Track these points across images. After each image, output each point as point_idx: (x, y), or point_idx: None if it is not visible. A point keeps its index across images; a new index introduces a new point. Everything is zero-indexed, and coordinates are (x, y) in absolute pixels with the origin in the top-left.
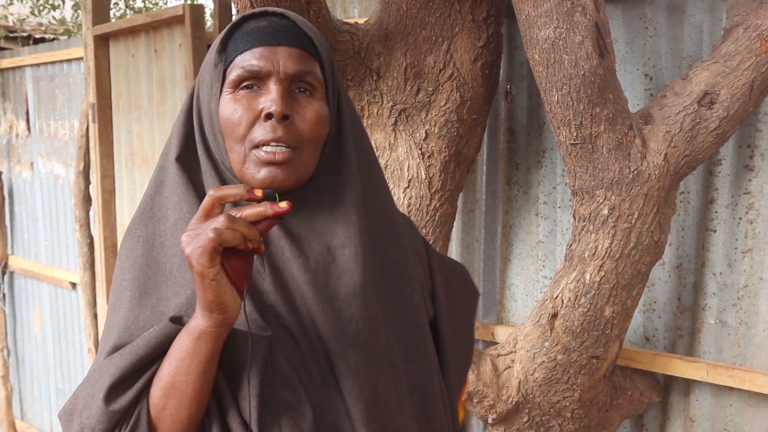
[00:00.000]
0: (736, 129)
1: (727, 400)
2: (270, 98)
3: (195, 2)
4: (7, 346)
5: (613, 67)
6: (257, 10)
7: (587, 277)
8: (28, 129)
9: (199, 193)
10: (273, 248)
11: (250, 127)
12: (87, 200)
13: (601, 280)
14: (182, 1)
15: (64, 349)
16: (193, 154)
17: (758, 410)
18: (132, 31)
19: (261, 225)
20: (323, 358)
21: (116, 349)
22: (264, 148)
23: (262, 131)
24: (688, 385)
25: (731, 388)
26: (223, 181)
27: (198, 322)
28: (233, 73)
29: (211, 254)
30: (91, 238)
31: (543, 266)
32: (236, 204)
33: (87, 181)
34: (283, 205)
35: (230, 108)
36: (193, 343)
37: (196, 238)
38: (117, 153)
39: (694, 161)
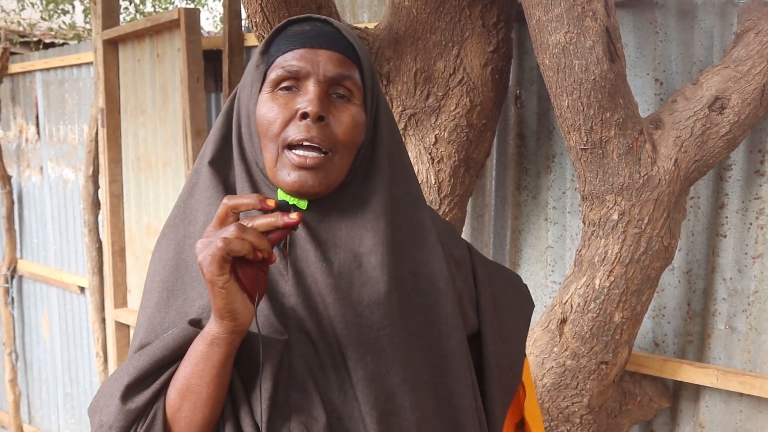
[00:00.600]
0: (747, 134)
1: (737, 406)
2: (307, 98)
3: (193, 5)
4: (15, 349)
5: (623, 72)
6: (302, 15)
7: (597, 282)
8: (38, 133)
9: None
10: (298, 251)
11: (285, 126)
12: (96, 204)
13: (610, 285)
14: (191, 5)
15: (72, 353)
16: (228, 157)
17: None
18: (138, 36)
19: (272, 235)
20: (341, 364)
21: (141, 348)
22: (296, 151)
23: (295, 130)
24: (698, 391)
25: (741, 394)
26: (254, 184)
27: (211, 328)
28: (273, 73)
29: (220, 263)
30: (99, 242)
31: (552, 271)
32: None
33: (96, 186)
34: (294, 216)
35: (267, 106)
36: (206, 348)
37: (208, 245)
38: (125, 157)
39: (704, 166)
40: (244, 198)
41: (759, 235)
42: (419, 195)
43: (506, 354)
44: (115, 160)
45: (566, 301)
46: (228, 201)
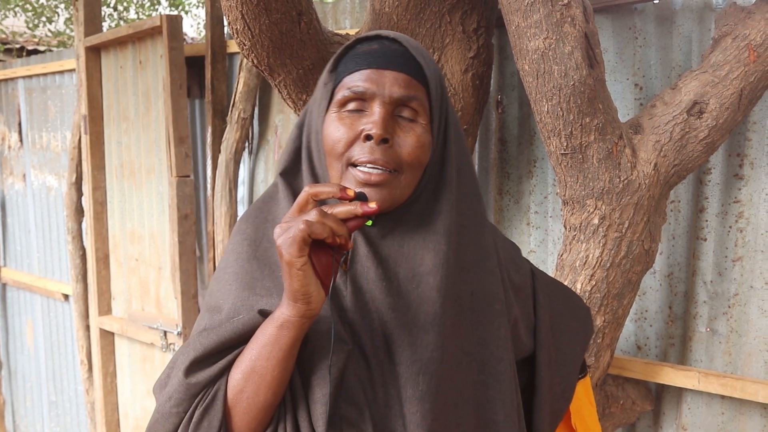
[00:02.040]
0: (726, 138)
1: (719, 408)
2: (372, 120)
3: (177, 12)
4: None
5: (602, 77)
6: (371, 33)
7: (578, 286)
8: (21, 141)
9: None
10: (358, 267)
11: (349, 146)
12: (79, 212)
13: (592, 289)
14: (174, 12)
15: (57, 361)
16: (299, 166)
17: (750, 418)
18: (120, 42)
19: (350, 223)
20: (391, 382)
21: (206, 330)
22: (360, 168)
23: (359, 151)
24: (680, 393)
25: (723, 396)
26: None
27: (282, 311)
28: (340, 93)
29: (300, 244)
30: (83, 249)
31: None
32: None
33: (79, 193)
34: (373, 205)
35: (333, 126)
36: (276, 331)
37: (288, 229)
38: (108, 164)
39: (684, 170)
40: (325, 186)
41: (738, 238)
42: (484, 215)
43: (560, 380)
44: (99, 167)
45: None
46: (309, 189)
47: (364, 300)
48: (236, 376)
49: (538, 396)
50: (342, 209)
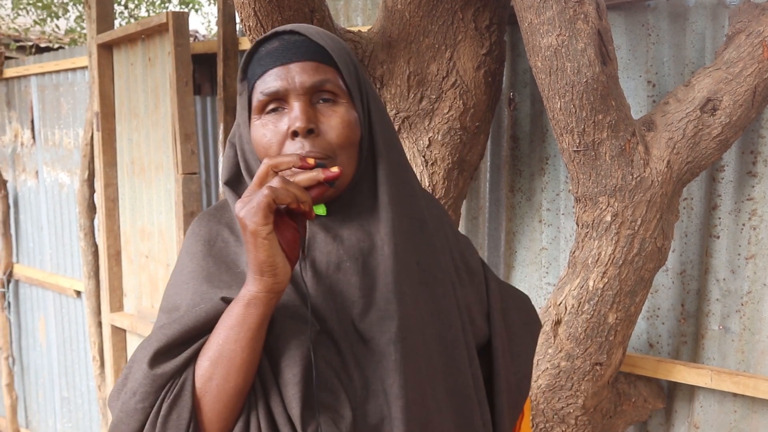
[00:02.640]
0: (739, 135)
1: (732, 407)
2: (293, 116)
3: (187, 9)
4: (12, 354)
5: (615, 74)
6: (269, 32)
7: (590, 283)
8: (33, 138)
9: None
10: (317, 254)
11: (281, 147)
12: (91, 209)
13: (604, 286)
14: (185, 9)
15: (69, 358)
16: (242, 180)
17: (762, 416)
18: (131, 40)
19: (313, 190)
20: (365, 361)
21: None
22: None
23: (292, 150)
24: (692, 391)
25: (735, 395)
26: None
27: (249, 288)
28: (255, 99)
29: (265, 211)
30: (95, 246)
31: (546, 273)
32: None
33: (91, 190)
34: (335, 169)
35: (259, 133)
36: (243, 310)
37: (250, 201)
38: (120, 161)
39: (697, 168)
40: (285, 157)
41: (752, 235)
42: (417, 185)
43: (515, 369)
44: (111, 163)
45: (560, 303)
46: (269, 161)
47: (327, 284)
48: (204, 363)
49: (497, 382)
50: (304, 176)
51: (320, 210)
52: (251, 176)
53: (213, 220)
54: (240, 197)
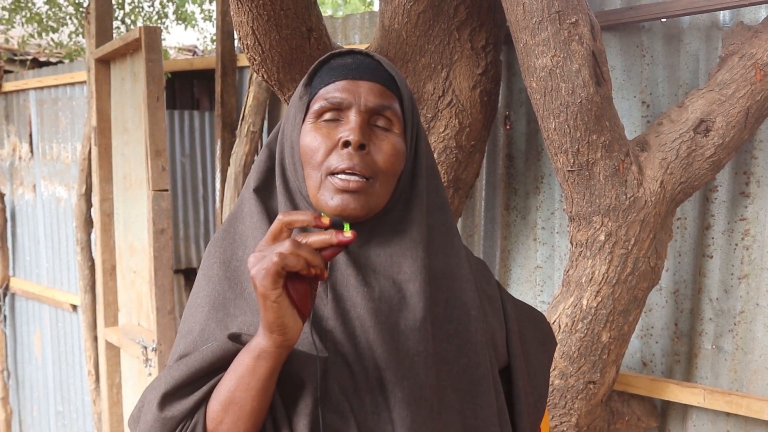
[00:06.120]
0: (732, 156)
1: (724, 426)
2: (349, 128)
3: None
4: (7, 367)
5: (609, 95)
6: (344, 49)
7: (584, 302)
8: (31, 151)
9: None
10: (338, 276)
11: (328, 155)
12: (88, 223)
13: (598, 305)
14: (181, 25)
15: (64, 372)
16: (271, 186)
17: None
18: (122, 55)
19: (326, 252)
20: (377, 388)
21: (180, 358)
22: (339, 176)
23: (338, 158)
24: (686, 410)
25: (728, 414)
26: (296, 209)
27: (259, 342)
28: (316, 104)
29: (274, 277)
30: (92, 260)
31: (541, 291)
32: (305, 230)
33: (89, 204)
34: (348, 234)
35: (311, 136)
36: (253, 362)
37: (261, 260)
38: (115, 176)
39: (690, 188)
40: (299, 215)
41: (744, 255)
42: (453, 225)
43: (532, 389)
44: (107, 178)
45: (554, 321)
46: (283, 217)
47: (345, 308)
48: (215, 407)
49: (517, 403)
50: (317, 239)
51: (345, 229)
52: (284, 183)
53: (228, 237)
54: (265, 207)
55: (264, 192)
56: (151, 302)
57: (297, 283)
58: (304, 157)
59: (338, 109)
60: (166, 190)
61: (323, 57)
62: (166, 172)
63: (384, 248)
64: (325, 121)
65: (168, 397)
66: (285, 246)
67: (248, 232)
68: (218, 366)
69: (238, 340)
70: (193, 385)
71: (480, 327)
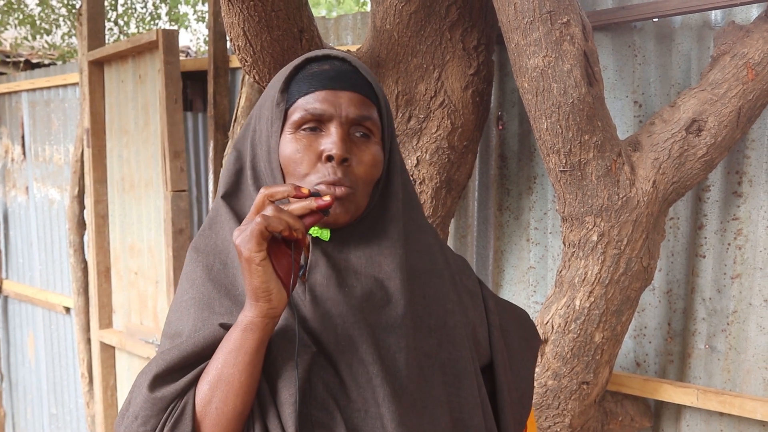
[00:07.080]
0: (724, 156)
1: (718, 426)
2: (331, 141)
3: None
4: (0, 370)
5: (601, 95)
6: (320, 53)
7: (577, 303)
8: (24, 153)
9: None
10: (317, 277)
11: (311, 167)
12: (81, 225)
13: (590, 306)
14: (175, 26)
15: (58, 374)
16: (240, 189)
17: None
18: (121, 57)
19: (306, 219)
20: (365, 384)
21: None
22: (323, 186)
23: (323, 172)
24: (679, 410)
25: (721, 413)
26: None
27: (245, 314)
28: (296, 114)
29: (258, 238)
30: (85, 262)
31: (534, 292)
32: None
33: (81, 206)
34: (327, 198)
35: (292, 147)
36: (240, 335)
37: (245, 229)
38: (110, 178)
39: (682, 188)
40: (280, 186)
41: (737, 255)
42: (425, 222)
43: (516, 386)
44: (101, 180)
45: (547, 322)
46: (265, 190)
47: (326, 307)
48: (203, 387)
49: (500, 400)
50: (297, 205)
51: (324, 235)
52: (256, 183)
53: (209, 242)
54: (235, 212)
55: (233, 197)
56: (170, 301)
57: (280, 255)
58: (286, 168)
59: (319, 120)
60: (185, 191)
61: (298, 62)
62: (184, 173)
63: (363, 250)
64: (305, 130)
65: (159, 379)
66: (268, 210)
67: (227, 237)
68: (209, 351)
69: (228, 329)
70: (184, 369)
71: (458, 321)
